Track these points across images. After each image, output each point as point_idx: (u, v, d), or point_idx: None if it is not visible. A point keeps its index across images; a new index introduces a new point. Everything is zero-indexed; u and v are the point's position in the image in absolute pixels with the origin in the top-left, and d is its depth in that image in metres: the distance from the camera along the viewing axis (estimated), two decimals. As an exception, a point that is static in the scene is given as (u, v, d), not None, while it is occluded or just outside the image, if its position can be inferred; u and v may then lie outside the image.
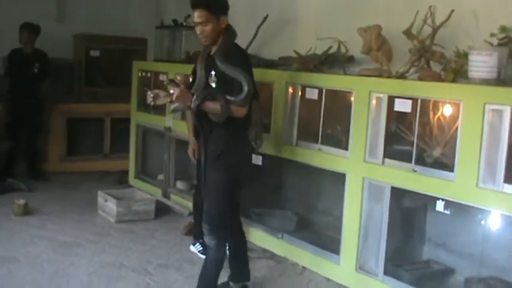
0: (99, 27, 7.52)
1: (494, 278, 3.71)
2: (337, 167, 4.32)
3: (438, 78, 3.85)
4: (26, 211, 5.58)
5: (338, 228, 4.35)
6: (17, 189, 6.36)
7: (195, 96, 3.54)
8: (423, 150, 3.87)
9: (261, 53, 5.76)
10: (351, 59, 4.83)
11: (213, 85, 3.63)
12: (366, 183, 4.08)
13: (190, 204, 5.30)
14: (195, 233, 4.80)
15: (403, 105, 3.87)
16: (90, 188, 6.39)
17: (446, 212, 3.72)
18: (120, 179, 7.10)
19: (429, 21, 3.97)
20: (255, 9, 6.01)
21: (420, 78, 3.94)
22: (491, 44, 3.62)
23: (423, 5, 4.00)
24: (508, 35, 3.61)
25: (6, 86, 6.76)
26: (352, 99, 4.20)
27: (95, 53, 7.63)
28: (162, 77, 6.17)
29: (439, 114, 3.85)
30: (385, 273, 3.97)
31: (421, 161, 3.83)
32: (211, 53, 3.69)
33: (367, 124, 4.05)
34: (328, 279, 4.35)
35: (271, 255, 4.80)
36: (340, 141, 4.42)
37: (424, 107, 3.86)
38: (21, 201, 5.59)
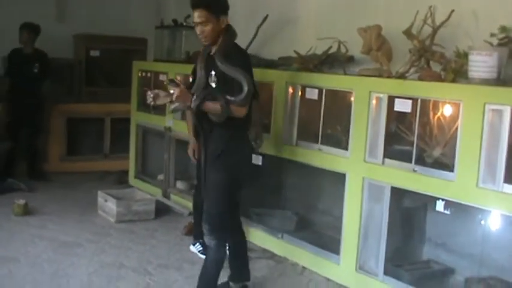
0: (99, 27, 7.52)
1: (494, 278, 3.71)
2: (337, 167, 4.32)
3: (438, 78, 3.85)
4: (26, 211, 5.58)
5: (338, 228, 4.35)
6: (17, 189, 6.36)
7: (195, 96, 3.54)
8: (423, 150, 3.87)
9: (261, 53, 5.76)
10: (351, 59, 4.83)
11: (213, 85, 3.63)
12: (366, 183, 4.08)
13: (190, 204, 5.30)
14: (195, 233, 4.80)
15: (403, 105, 3.87)
16: (90, 188, 6.39)
17: (446, 212, 3.72)
18: (120, 179, 7.10)
19: (429, 21, 3.97)
20: (255, 9, 6.01)
21: (420, 78, 3.94)
22: (491, 44, 3.62)
23: (423, 5, 4.00)
24: (508, 35, 3.61)
25: (6, 86, 6.76)
26: (352, 99, 4.20)
27: (95, 53, 7.63)
28: (162, 77, 6.17)
29: (439, 114, 3.85)
30: (385, 273, 3.97)
31: (421, 161, 3.83)
32: (211, 53, 3.69)
33: (367, 124, 4.05)
34: (328, 279, 4.35)
35: (271, 255, 4.80)
36: (340, 141, 4.42)
37: (424, 107, 3.86)
38: (22, 201, 5.59)
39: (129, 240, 5.06)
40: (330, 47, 4.83)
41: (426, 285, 3.89)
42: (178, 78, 5.67)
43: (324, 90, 4.47)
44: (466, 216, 3.77)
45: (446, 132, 3.79)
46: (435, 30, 3.97)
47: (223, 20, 3.62)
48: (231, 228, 3.84)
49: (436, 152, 3.81)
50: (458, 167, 3.55)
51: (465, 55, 3.71)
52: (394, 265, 4.01)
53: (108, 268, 4.43)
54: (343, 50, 4.79)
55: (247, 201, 4.57)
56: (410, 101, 3.83)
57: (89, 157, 7.52)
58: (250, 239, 4.94)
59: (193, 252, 4.77)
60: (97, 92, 7.57)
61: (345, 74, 4.71)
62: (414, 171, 3.82)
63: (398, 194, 3.95)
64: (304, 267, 4.55)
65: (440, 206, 3.71)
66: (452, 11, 3.91)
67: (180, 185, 6.26)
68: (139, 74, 6.81)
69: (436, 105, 3.84)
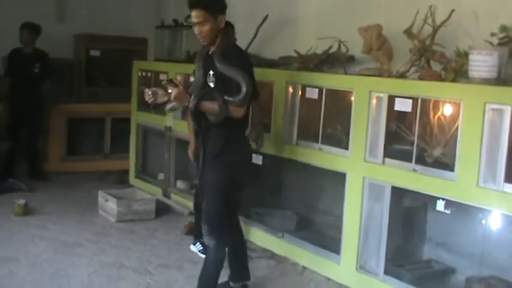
0: (99, 27, 7.52)
1: (494, 278, 3.71)
2: (338, 167, 4.32)
3: (438, 78, 3.85)
4: (27, 211, 5.58)
5: (338, 228, 4.35)
6: (18, 189, 6.36)
7: (193, 96, 3.54)
8: (423, 149, 3.87)
9: (261, 53, 5.76)
10: (351, 59, 4.83)
11: (211, 85, 3.63)
12: (366, 183, 4.08)
13: (190, 204, 5.30)
14: (195, 232, 4.80)
15: (403, 105, 3.87)
16: (91, 188, 6.39)
17: (446, 211, 3.72)
18: (121, 178, 7.10)
19: (429, 20, 3.97)
20: (255, 9, 6.01)
21: (420, 78, 3.94)
22: (491, 43, 3.62)
23: (423, 5, 4.00)
24: (508, 35, 3.61)
25: (6, 86, 6.76)
26: (353, 98, 4.20)
27: (95, 53, 7.64)
28: (162, 77, 6.17)
29: (439, 113, 3.85)
30: (386, 272, 3.97)
31: (421, 160, 3.83)
32: (210, 52, 3.68)
33: (367, 124, 4.05)
34: (329, 279, 4.35)
35: (272, 255, 4.80)
36: (340, 140, 4.42)
37: (425, 106, 3.86)
38: (22, 201, 5.59)
39: (130, 240, 5.06)
40: (331, 47, 4.83)
41: (427, 285, 3.88)
42: (179, 78, 5.68)
43: (324, 90, 4.47)
44: (466, 215, 3.77)
45: (447, 131, 3.79)
46: (435, 29, 3.97)
47: (221, 20, 3.60)
48: (229, 227, 3.83)
49: (437, 152, 3.81)
50: (458, 166, 3.55)
51: (465, 55, 3.71)
52: (394, 265, 4.01)
53: (109, 268, 4.42)
54: (343, 49, 4.78)
55: (247, 201, 4.57)
56: (410, 101, 3.83)
57: (89, 157, 7.53)
58: (250, 238, 4.95)
59: (193, 252, 4.77)
60: (97, 92, 7.57)
61: (345, 73, 4.71)
62: (414, 170, 3.81)
63: (398, 193, 3.94)
64: (304, 267, 4.55)
65: (440, 205, 3.71)
66: (453, 10, 3.91)
67: (180, 184, 6.26)
68: (140, 74, 6.81)
69: (436, 105, 3.84)
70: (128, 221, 5.48)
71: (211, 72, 3.63)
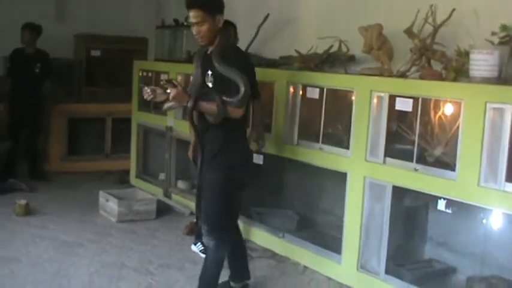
0: (100, 27, 7.52)
1: (496, 277, 3.71)
2: (339, 166, 4.32)
3: (439, 77, 3.85)
4: (27, 211, 5.58)
5: (339, 228, 4.35)
6: (18, 189, 6.36)
7: (191, 97, 3.54)
8: (424, 149, 3.87)
9: (262, 52, 5.76)
10: (352, 58, 4.83)
11: (210, 85, 3.62)
12: (367, 183, 4.08)
13: (191, 204, 5.30)
14: (196, 232, 4.80)
15: (404, 104, 3.87)
16: (91, 188, 6.39)
17: (447, 211, 3.72)
18: (121, 178, 7.10)
19: (430, 20, 3.97)
20: (255, 9, 6.01)
21: (421, 77, 3.94)
22: (492, 42, 3.62)
23: (424, 4, 4.00)
24: (509, 34, 3.61)
25: (7, 86, 6.77)
26: (353, 98, 4.20)
27: (95, 53, 7.64)
28: (163, 77, 6.17)
29: (440, 113, 3.84)
30: (387, 272, 3.97)
31: (422, 160, 3.82)
32: (208, 52, 3.67)
33: (368, 123, 4.05)
34: (330, 279, 4.34)
35: (273, 255, 4.80)
36: (341, 140, 4.42)
37: (425, 106, 3.86)
38: (23, 201, 5.60)
39: (131, 240, 5.06)
40: (331, 46, 4.83)
41: (428, 284, 3.88)
42: (179, 78, 5.68)
43: (325, 90, 4.47)
44: (467, 215, 3.76)
45: (448, 131, 3.79)
46: (436, 29, 3.97)
47: (220, 19, 3.59)
48: (227, 228, 3.83)
49: (438, 151, 3.81)
50: (459, 165, 3.55)
51: (466, 54, 3.70)
52: (395, 264, 4.01)
53: (110, 268, 4.42)
54: (344, 49, 4.78)
55: (248, 201, 4.56)
56: (411, 100, 3.83)
57: (90, 157, 7.53)
58: (251, 238, 4.95)
59: (194, 252, 4.76)
60: (98, 92, 7.57)
61: (346, 73, 4.71)
62: (415, 170, 3.81)
63: (399, 193, 3.94)
64: (305, 267, 4.55)
65: (441, 205, 3.70)
66: (453, 9, 3.91)
67: (181, 184, 6.26)
68: (140, 74, 6.80)
69: (437, 104, 3.84)
70: (128, 221, 5.48)
71: (209, 72, 3.62)
